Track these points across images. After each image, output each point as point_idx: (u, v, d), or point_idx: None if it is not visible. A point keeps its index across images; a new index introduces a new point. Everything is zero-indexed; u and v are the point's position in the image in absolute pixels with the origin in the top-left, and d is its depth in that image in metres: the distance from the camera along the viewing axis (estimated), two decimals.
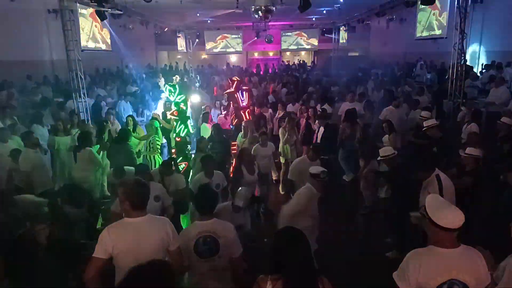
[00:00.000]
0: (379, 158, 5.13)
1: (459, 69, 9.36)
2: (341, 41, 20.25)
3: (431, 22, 11.70)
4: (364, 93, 10.48)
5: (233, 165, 7.12)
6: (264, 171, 6.31)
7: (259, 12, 8.83)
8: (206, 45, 23.49)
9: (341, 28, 19.79)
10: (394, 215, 5.04)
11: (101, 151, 6.57)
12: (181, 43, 21.12)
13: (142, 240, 2.61)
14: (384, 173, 5.49)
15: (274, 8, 8.91)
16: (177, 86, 7.11)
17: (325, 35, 21.46)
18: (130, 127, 7.96)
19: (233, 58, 28.90)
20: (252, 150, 6.23)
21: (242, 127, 7.38)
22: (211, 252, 2.94)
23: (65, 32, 8.21)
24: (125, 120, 8.31)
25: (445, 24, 10.77)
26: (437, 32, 11.30)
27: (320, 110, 8.39)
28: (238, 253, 2.95)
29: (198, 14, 21.42)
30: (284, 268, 2.11)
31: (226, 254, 2.95)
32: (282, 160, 7.31)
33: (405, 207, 4.64)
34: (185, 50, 21.57)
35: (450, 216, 2.21)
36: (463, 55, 9.36)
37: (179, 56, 27.35)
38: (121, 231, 2.63)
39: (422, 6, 10.80)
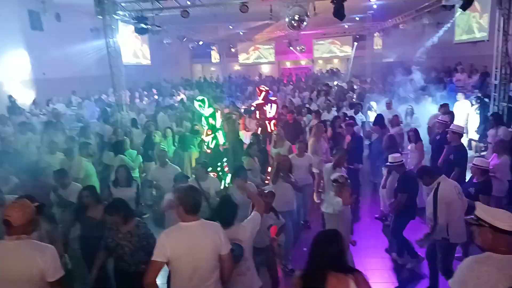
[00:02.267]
0: (387, 163, 5.14)
1: (503, 72, 8.95)
2: (375, 47, 19.96)
3: (470, 25, 11.32)
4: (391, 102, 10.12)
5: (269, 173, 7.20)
6: (301, 183, 5.96)
7: (293, 22, 8.89)
8: (239, 56, 23.89)
9: (375, 35, 19.53)
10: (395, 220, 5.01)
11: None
12: (215, 55, 21.61)
13: (196, 244, 2.70)
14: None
15: (307, 18, 8.95)
16: (206, 100, 7.25)
17: (359, 42, 21.16)
18: (169, 138, 8.29)
19: (265, 69, 29.15)
20: None
21: (274, 136, 7.32)
22: (238, 258, 3.07)
23: (108, 49, 8.65)
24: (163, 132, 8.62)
25: (486, 27, 10.37)
26: (478, 35, 10.90)
27: (348, 118, 8.26)
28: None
29: (230, 27, 21.92)
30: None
31: (249, 258, 3.13)
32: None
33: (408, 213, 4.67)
34: (219, 62, 22.05)
35: (509, 219, 2.17)
36: (507, 58, 8.95)
37: (212, 69, 27.97)
38: (177, 235, 2.74)
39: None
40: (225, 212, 3.16)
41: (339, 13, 8.69)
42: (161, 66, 20.24)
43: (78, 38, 14.91)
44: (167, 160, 6.02)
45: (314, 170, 7.06)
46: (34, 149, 7.42)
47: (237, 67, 27.71)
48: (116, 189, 5.20)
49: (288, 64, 30.17)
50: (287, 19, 8.93)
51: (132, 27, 9.51)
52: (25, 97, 11.65)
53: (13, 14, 11.75)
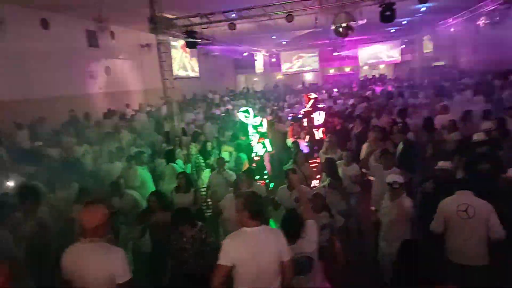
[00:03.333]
0: (436, 167, 4.91)
1: None
2: (425, 50, 19.20)
3: None
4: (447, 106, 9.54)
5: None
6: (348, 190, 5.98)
7: (340, 29, 8.79)
8: (282, 66, 23.96)
9: (424, 38, 18.81)
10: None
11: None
12: (258, 66, 21.87)
13: (260, 249, 2.73)
14: None
15: (355, 24, 8.81)
16: (249, 110, 7.39)
17: (407, 45, 20.47)
18: (216, 148, 8.47)
19: (308, 77, 29.00)
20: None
21: (326, 142, 7.23)
22: (308, 270, 3.15)
23: (161, 63, 9.02)
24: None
25: None
26: None
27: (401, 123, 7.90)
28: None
29: (273, 37, 22.08)
30: None
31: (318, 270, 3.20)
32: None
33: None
34: (262, 73, 22.28)
35: None
36: None
37: (255, 79, 28.29)
38: (242, 240, 2.78)
39: None
40: (291, 227, 3.15)
41: (387, 17, 8.47)
42: (207, 78, 20.83)
43: (130, 54, 15.80)
44: (224, 167, 6.33)
45: (371, 178, 6.93)
46: (90, 159, 7.89)
47: (279, 76, 27.83)
48: (177, 194, 5.51)
49: (331, 71, 29.85)
50: (333, 27, 8.84)
51: (181, 42, 9.85)
52: (83, 111, 12.40)
53: (73, 33, 12.67)
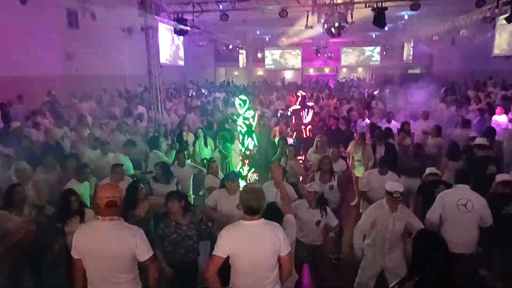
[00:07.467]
0: (424, 175, 5.07)
1: None
2: (405, 57, 19.73)
3: None
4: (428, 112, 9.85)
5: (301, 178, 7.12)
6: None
7: (332, 29, 8.86)
8: (265, 61, 23.96)
9: (405, 45, 19.32)
10: None
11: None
12: (242, 60, 21.74)
13: (255, 243, 2.74)
14: None
15: (347, 24, 8.91)
16: (247, 101, 7.25)
17: (388, 51, 20.98)
18: (201, 139, 8.28)
19: (288, 75, 29.14)
20: None
21: (315, 141, 7.18)
22: None
23: (148, 48, 8.77)
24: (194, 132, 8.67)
25: None
26: None
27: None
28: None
29: (258, 32, 22.04)
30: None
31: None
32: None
33: None
34: (245, 67, 22.19)
35: None
36: None
37: (236, 73, 28.12)
38: (237, 232, 2.79)
39: (504, 22, 10.24)
40: (270, 219, 3.05)
41: (379, 21, 8.63)
42: (188, 68, 20.47)
43: (111, 38, 15.21)
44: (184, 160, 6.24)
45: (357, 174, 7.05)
46: (68, 143, 7.55)
47: (260, 72, 27.79)
48: (156, 184, 5.20)
49: (311, 71, 30.13)
50: (326, 26, 8.90)
51: (169, 27, 9.60)
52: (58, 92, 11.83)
53: (52, 11, 12.05)
